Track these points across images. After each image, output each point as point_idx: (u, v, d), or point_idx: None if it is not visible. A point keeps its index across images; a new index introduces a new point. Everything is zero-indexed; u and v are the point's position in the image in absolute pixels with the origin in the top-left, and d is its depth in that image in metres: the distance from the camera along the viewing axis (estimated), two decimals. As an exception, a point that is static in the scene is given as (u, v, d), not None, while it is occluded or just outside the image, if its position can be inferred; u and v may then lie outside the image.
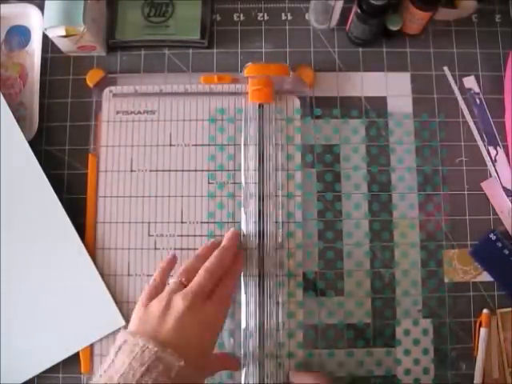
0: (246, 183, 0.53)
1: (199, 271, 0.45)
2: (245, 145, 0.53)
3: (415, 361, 0.51)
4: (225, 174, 0.53)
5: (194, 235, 0.52)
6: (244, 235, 0.52)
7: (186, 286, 0.44)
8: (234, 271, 0.48)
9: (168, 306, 0.42)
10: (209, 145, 0.54)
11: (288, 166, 0.53)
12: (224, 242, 0.49)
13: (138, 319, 0.42)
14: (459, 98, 0.56)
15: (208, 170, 0.53)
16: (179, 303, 0.42)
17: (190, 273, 0.45)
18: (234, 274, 0.48)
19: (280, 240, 0.52)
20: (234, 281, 0.48)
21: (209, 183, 0.53)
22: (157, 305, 0.42)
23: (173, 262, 0.48)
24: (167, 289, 0.44)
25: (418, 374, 0.51)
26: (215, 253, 0.47)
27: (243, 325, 0.50)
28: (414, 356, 0.51)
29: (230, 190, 0.53)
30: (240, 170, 0.53)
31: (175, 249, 0.52)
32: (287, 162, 0.53)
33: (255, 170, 0.53)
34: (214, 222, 0.53)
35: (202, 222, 0.53)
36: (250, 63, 0.54)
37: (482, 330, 0.51)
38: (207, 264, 0.45)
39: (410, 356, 0.51)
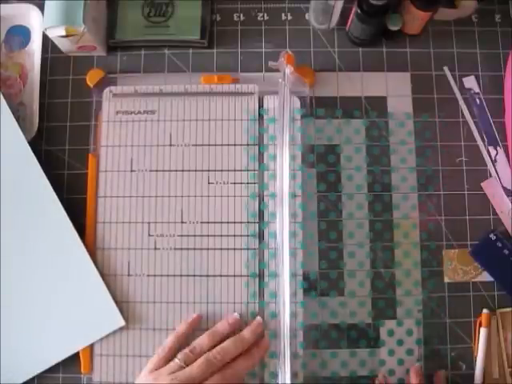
0: (248, 183, 0.53)
1: (198, 360, 0.45)
2: (247, 145, 0.53)
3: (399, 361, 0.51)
4: (225, 174, 0.53)
5: (194, 235, 0.52)
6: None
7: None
8: (250, 354, 0.48)
9: None
10: (209, 145, 0.54)
11: (289, 165, 0.53)
12: (245, 332, 0.48)
13: None
14: (459, 98, 0.56)
15: (208, 170, 0.53)
16: None
17: (195, 354, 0.46)
18: (249, 356, 0.48)
19: (282, 240, 0.52)
20: (248, 363, 0.47)
21: (209, 183, 0.53)
22: (151, 380, 0.45)
23: (191, 325, 0.49)
24: (166, 367, 0.46)
25: (401, 375, 0.51)
26: (227, 342, 0.47)
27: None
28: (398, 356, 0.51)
29: (230, 190, 0.53)
30: (240, 170, 0.53)
31: (175, 249, 0.52)
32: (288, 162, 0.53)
33: (256, 170, 0.53)
34: (214, 222, 0.53)
35: (201, 222, 0.53)
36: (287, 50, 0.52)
37: (482, 330, 0.51)
38: (209, 354, 0.46)
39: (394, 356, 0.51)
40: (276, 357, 0.50)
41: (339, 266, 0.52)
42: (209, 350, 0.46)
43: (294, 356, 0.50)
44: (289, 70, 0.51)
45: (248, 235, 0.52)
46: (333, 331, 0.51)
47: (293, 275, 0.51)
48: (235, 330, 0.49)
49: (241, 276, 0.51)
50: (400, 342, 0.51)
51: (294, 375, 0.49)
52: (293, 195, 0.53)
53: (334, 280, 0.52)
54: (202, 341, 0.47)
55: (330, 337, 0.51)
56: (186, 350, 0.47)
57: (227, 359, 0.46)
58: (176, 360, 0.46)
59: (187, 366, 0.45)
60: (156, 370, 0.46)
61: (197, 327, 0.50)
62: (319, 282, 0.52)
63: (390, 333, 0.51)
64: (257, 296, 0.51)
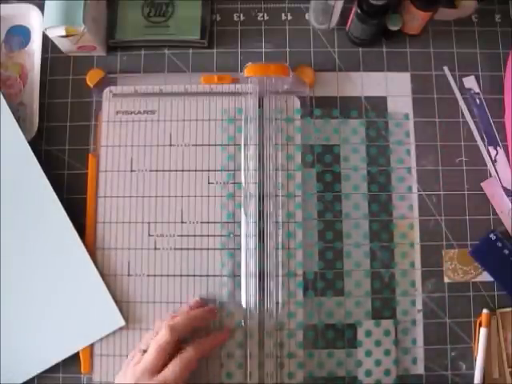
0: (245, 183, 0.53)
1: (150, 347, 0.45)
2: (245, 145, 0.53)
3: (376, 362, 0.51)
4: (225, 174, 0.53)
5: (194, 235, 0.52)
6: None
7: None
8: (203, 341, 0.47)
9: (125, 377, 0.44)
10: (209, 145, 0.54)
11: (288, 166, 0.53)
12: (206, 340, 0.48)
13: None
14: (459, 98, 0.56)
15: (208, 170, 0.53)
16: (129, 379, 0.44)
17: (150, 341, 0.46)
18: (202, 343, 0.47)
19: (280, 240, 0.52)
20: (204, 347, 0.47)
21: (209, 183, 0.53)
22: (121, 376, 0.45)
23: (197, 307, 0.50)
24: (133, 358, 0.46)
25: (378, 376, 0.50)
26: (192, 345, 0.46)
27: (243, 324, 0.50)
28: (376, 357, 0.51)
29: (230, 190, 0.53)
30: (240, 170, 0.53)
31: (175, 249, 0.52)
32: (287, 162, 0.53)
33: (255, 170, 0.53)
34: (214, 222, 0.53)
35: (201, 222, 0.53)
36: (250, 63, 0.54)
37: (482, 330, 0.51)
38: (159, 339, 0.45)
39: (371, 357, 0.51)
40: (273, 357, 0.50)
41: (336, 266, 0.52)
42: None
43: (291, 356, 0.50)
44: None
45: (247, 235, 0.52)
46: (329, 331, 0.51)
47: (291, 275, 0.51)
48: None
49: (240, 276, 0.51)
50: (378, 343, 0.51)
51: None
52: (291, 195, 0.53)
53: (333, 280, 0.52)
54: (159, 324, 0.48)
55: (326, 337, 0.51)
56: (147, 336, 0.48)
57: (181, 338, 0.46)
58: (138, 350, 0.46)
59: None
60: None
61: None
62: (318, 281, 0.52)
63: (387, 333, 0.51)
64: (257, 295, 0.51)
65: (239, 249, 0.52)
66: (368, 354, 0.51)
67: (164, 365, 0.44)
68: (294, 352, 0.50)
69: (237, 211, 0.53)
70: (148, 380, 0.43)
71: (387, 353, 0.51)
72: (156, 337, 0.45)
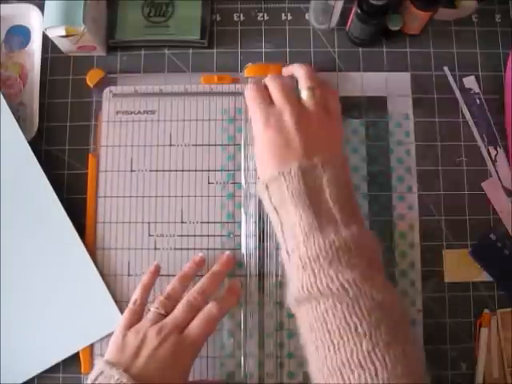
0: (245, 183, 0.53)
1: (179, 304, 0.45)
2: (245, 145, 0.53)
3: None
4: (225, 174, 0.53)
5: (194, 235, 0.52)
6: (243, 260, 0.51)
7: (165, 316, 0.45)
8: (224, 299, 0.48)
9: (144, 339, 0.43)
10: (209, 145, 0.54)
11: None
12: (215, 267, 0.49)
13: (116, 348, 0.43)
14: (459, 98, 0.56)
15: (208, 170, 0.53)
16: (153, 338, 0.43)
17: (171, 300, 0.46)
18: (223, 301, 0.47)
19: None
20: (222, 308, 0.46)
21: (209, 183, 0.53)
22: (134, 336, 0.44)
23: (154, 275, 0.49)
24: (145, 319, 0.45)
25: None
26: (202, 280, 0.47)
27: (243, 325, 0.50)
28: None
29: (230, 190, 0.53)
30: (240, 170, 0.53)
31: (175, 249, 0.52)
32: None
33: (255, 170, 0.53)
34: (214, 222, 0.53)
35: (201, 222, 0.53)
36: (249, 64, 0.54)
37: (482, 330, 0.51)
38: (189, 295, 0.46)
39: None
40: (273, 357, 0.50)
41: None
42: (183, 292, 0.47)
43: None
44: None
45: (247, 235, 0.52)
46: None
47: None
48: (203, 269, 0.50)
49: (240, 276, 0.51)
50: None
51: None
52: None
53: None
54: (174, 286, 0.47)
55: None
56: (162, 298, 0.46)
57: (207, 297, 0.46)
58: (153, 310, 0.45)
59: (167, 313, 0.45)
60: (132, 325, 0.45)
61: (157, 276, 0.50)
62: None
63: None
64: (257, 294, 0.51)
65: (239, 249, 0.52)
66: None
67: (190, 321, 0.44)
68: (294, 352, 0.50)
69: (237, 211, 0.53)
70: (177, 336, 0.43)
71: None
72: (187, 295, 0.46)
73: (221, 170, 0.53)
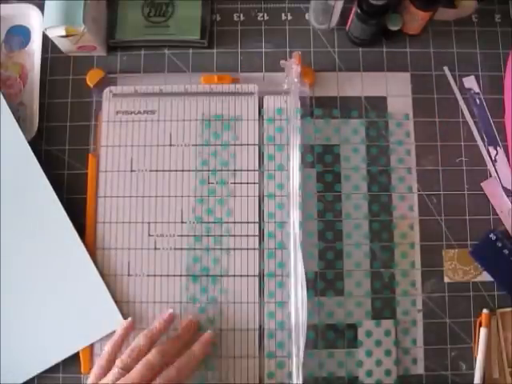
0: (246, 183, 0.53)
1: (137, 365, 0.44)
2: (245, 145, 0.53)
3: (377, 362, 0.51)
4: (225, 174, 0.53)
5: (194, 235, 0.52)
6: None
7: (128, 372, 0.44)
8: (192, 351, 0.47)
9: None
10: (209, 145, 0.54)
11: (288, 166, 0.53)
12: (180, 331, 0.48)
13: None
14: (459, 98, 0.56)
15: (208, 170, 0.53)
16: None
17: (133, 359, 0.45)
18: (191, 354, 0.46)
19: (280, 240, 0.52)
20: (191, 360, 0.46)
21: (209, 183, 0.53)
22: None
23: (128, 330, 0.49)
24: (109, 375, 0.44)
25: (379, 376, 0.50)
26: (165, 342, 0.47)
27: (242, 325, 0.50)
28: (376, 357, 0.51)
29: (230, 190, 0.53)
30: (240, 170, 0.53)
31: (175, 249, 0.52)
32: (287, 162, 0.53)
33: (255, 170, 0.53)
34: (214, 222, 0.53)
35: (202, 222, 0.53)
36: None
37: (482, 330, 0.51)
38: (150, 356, 0.44)
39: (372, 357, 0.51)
40: (273, 357, 0.50)
41: (336, 266, 0.52)
42: (147, 350, 0.45)
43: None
44: (298, 69, 0.52)
45: (247, 235, 0.52)
46: (329, 331, 0.51)
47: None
48: (171, 326, 0.49)
49: (240, 276, 0.51)
50: (378, 343, 0.51)
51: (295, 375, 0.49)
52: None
53: (333, 280, 0.52)
54: (139, 342, 0.46)
55: (326, 337, 0.51)
56: (124, 356, 0.45)
57: (167, 359, 0.45)
58: (115, 368, 0.44)
59: (127, 372, 0.44)
60: (98, 381, 0.44)
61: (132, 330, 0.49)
62: (318, 281, 0.52)
63: (387, 333, 0.51)
64: (257, 295, 0.51)
65: (239, 248, 0.52)
66: (368, 354, 0.51)
67: (150, 380, 0.43)
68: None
69: (237, 210, 0.53)
70: None
71: (388, 353, 0.51)
72: (147, 355, 0.45)
73: (221, 170, 0.53)
